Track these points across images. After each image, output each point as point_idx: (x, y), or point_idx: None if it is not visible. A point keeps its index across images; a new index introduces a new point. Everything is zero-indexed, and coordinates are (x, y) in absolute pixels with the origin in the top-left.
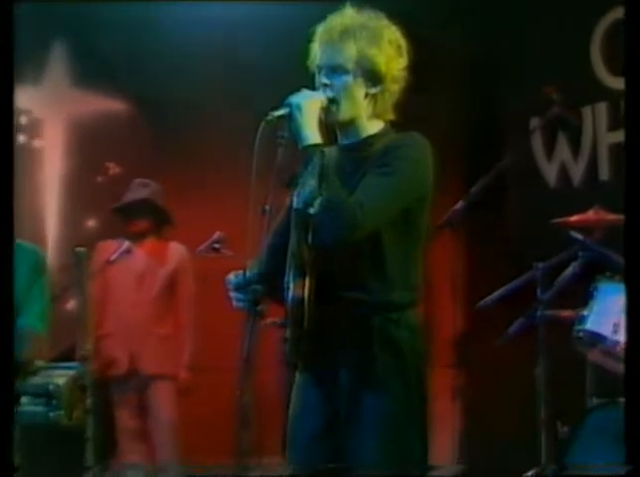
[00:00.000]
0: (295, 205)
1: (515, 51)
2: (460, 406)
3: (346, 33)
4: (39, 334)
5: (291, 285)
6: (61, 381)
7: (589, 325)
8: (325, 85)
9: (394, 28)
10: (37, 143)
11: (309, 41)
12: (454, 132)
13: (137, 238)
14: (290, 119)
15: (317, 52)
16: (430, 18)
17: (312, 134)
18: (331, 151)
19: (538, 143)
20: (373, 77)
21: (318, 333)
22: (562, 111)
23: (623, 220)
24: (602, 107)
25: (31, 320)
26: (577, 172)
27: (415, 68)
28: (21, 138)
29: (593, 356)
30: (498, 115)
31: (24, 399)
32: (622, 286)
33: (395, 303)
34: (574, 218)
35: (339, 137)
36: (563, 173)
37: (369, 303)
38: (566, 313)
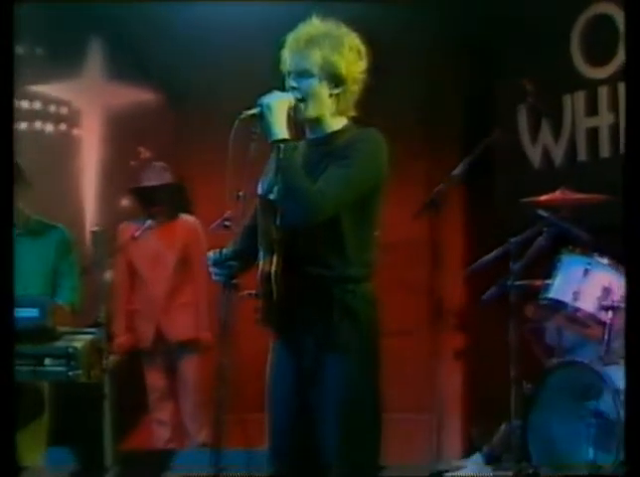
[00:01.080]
0: (259, 191)
1: (502, 42)
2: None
3: (311, 41)
4: (74, 307)
5: (261, 262)
6: (79, 344)
7: (552, 293)
8: (293, 88)
9: (354, 35)
10: (76, 132)
11: (280, 47)
12: (448, 116)
13: (155, 217)
14: (261, 117)
15: (287, 58)
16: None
17: (280, 130)
18: (300, 145)
19: (523, 128)
20: (335, 79)
21: (286, 303)
22: (536, 101)
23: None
24: (580, 95)
25: (66, 295)
26: (558, 154)
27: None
28: (62, 127)
29: (558, 321)
30: (487, 101)
31: (47, 361)
32: (583, 258)
33: (352, 277)
34: (543, 197)
35: (307, 132)
36: (546, 155)
37: (329, 277)
38: (535, 283)
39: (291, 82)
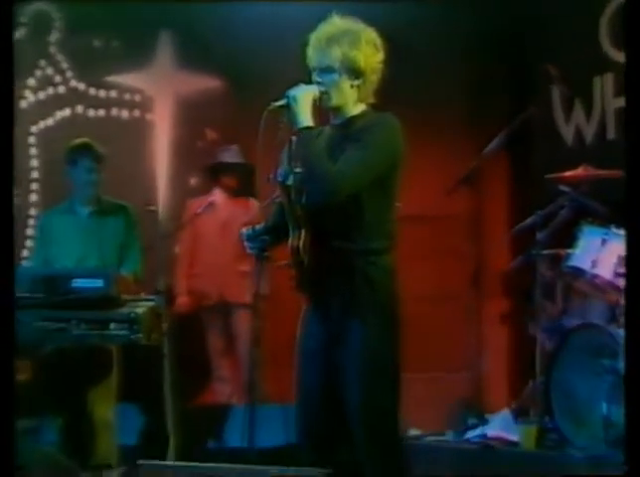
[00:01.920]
0: (278, 178)
1: (538, 29)
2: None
3: (331, 39)
4: (136, 276)
5: (290, 237)
6: (140, 310)
7: (573, 262)
8: (318, 82)
9: (370, 30)
10: (148, 117)
11: (305, 45)
12: (491, 98)
13: (226, 191)
14: (288, 108)
15: (310, 55)
16: None
17: (305, 119)
18: (325, 129)
19: (557, 108)
20: (355, 72)
21: (314, 273)
22: (559, 85)
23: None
24: (609, 77)
25: (130, 265)
26: (589, 132)
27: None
28: (136, 113)
29: (581, 286)
30: (523, 83)
31: (112, 326)
32: (601, 230)
33: (372, 250)
34: (567, 173)
35: (331, 118)
36: (578, 133)
37: (351, 250)
38: (558, 252)
39: (316, 77)
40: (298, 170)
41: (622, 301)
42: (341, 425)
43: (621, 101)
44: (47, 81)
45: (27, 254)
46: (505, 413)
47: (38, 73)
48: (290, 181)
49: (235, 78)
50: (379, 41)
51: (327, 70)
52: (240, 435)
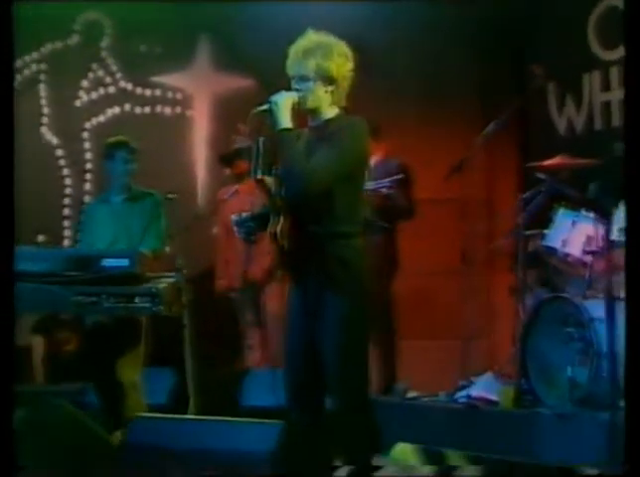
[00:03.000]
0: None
1: (534, 31)
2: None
3: (307, 52)
4: (155, 252)
5: (270, 224)
6: (161, 285)
7: (547, 241)
8: (296, 89)
9: (342, 43)
10: (188, 113)
11: (285, 57)
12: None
13: (241, 179)
14: (270, 112)
15: (289, 66)
16: None
17: (285, 122)
18: (304, 131)
19: (552, 102)
20: (328, 80)
21: (293, 256)
22: (542, 82)
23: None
24: (596, 74)
25: (150, 243)
26: (579, 123)
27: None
28: (177, 110)
29: (554, 263)
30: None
31: (136, 299)
32: (572, 212)
33: (343, 233)
34: (545, 162)
35: (309, 121)
36: (570, 124)
37: (325, 234)
38: (535, 232)
39: (294, 85)
40: (278, 168)
41: (588, 275)
42: (321, 387)
43: (607, 96)
44: (98, 83)
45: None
46: (488, 376)
47: (90, 75)
48: (259, 175)
49: (265, 77)
50: (349, 52)
51: (304, 78)
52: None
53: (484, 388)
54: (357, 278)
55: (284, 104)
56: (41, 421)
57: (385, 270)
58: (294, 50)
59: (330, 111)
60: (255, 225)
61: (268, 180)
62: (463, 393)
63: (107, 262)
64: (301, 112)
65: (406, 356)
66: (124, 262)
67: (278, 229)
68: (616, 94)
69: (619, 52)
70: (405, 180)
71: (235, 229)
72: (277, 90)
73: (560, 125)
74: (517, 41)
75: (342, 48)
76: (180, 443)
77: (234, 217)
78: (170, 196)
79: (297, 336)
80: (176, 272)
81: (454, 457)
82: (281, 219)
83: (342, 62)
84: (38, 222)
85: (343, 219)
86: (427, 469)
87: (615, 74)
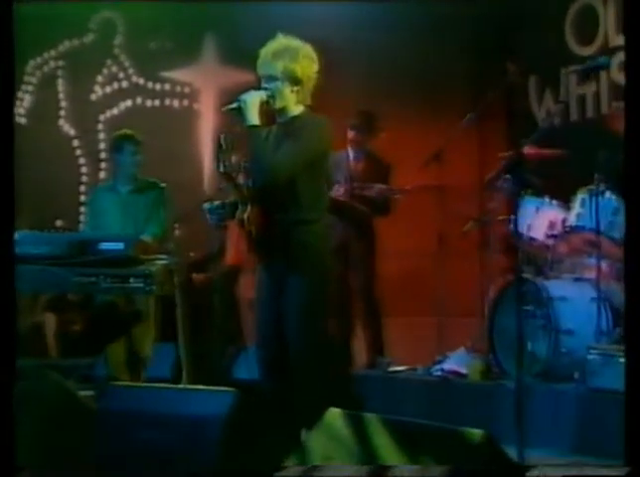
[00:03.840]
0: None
1: (517, 29)
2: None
3: (275, 55)
4: (156, 237)
5: (239, 211)
6: (154, 267)
7: (513, 226)
8: (265, 88)
9: (307, 46)
10: (196, 106)
11: (256, 58)
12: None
13: None
14: (239, 110)
15: (259, 66)
16: None
17: (253, 119)
18: (273, 127)
19: (532, 95)
20: (294, 80)
21: (260, 240)
22: (513, 78)
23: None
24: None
25: (153, 230)
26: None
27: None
28: (185, 103)
29: (523, 246)
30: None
31: (131, 280)
32: (536, 199)
33: (306, 219)
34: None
35: (277, 117)
36: (550, 115)
37: (289, 220)
38: (503, 218)
39: (263, 84)
40: (246, 161)
41: (550, 257)
42: (286, 358)
43: (582, 89)
44: (112, 78)
45: None
46: (461, 351)
47: (105, 70)
48: (221, 169)
49: None
50: (314, 55)
51: (272, 78)
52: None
53: (456, 362)
54: (317, 260)
55: (252, 103)
56: (31, 390)
57: (368, 253)
58: (264, 52)
59: (296, 109)
60: (225, 212)
61: (234, 172)
62: (438, 366)
63: (105, 246)
64: (269, 110)
65: (391, 332)
66: (120, 246)
67: (245, 216)
68: (591, 88)
69: (593, 48)
70: (391, 188)
71: (207, 216)
72: None
73: (539, 117)
74: (502, 38)
75: (308, 51)
76: (146, 408)
77: (206, 205)
78: (163, 185)
79: (265, 313)
80: (168, 255)
81: (372, 421)
82: (249, 207)
83: (307, 64)
84: (56, 207)
85: (305, 207)
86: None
87: None
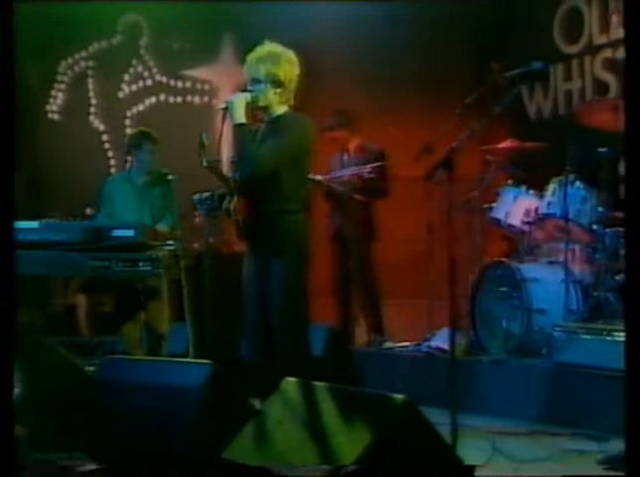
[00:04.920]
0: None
1: (509, 29)
2: None
3: (259, 59)
4: (172, 228)
5: (226, 202)
6: (161, 253)
7: (493, 213)
8: (250, 90)
9: (290, 52)
10: (214, 102)
11: (243, 62)
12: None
13: None
14: (227, 110)
15: (245, 70)
16: None
17: (239, 118)
18: (261, 125)
19: (525, 92)
20: (276, 83)
21: (246, 228)
22: (496, 78)
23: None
24: (560, 66)
25: (168, 221)
26: (546, 109)
27: None
28: (205, 99)
29: (500, 231)
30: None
31: (140, 264)
32: (514, 189)
33: (288, 209)
34: (498, 145)
35: (264, 116)
36: (539, 110)
37: (273, 210)
38: (485, 205)
39: (249, 86)
40: (234, 156)
41: (525, 242)
42: (271, 335)
43: (569, 85)
44: (138, 76)
45: None
46: (446, 329)
47: (131, 70)
48: (204, 163)
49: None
50: (296, 60)
51: (256, 81)
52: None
53: (441, 339)
54: (298, 247)
55: (239, 104)
56: (40, 363)
57: (365, 239)
58: (250, 57)
59: (279, 109)
60: (214, 203)
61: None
62: (425, 344)
63: (116, 233)
64: (255, 110)
65: (386, 312)
66: (130, 233)
67: (232, 206)
68: (576, 84)
69: (579, 46)
70: (383, 165)
71: (197, 207)
72: None
73: (531, 111)
74: (495, 37)
75: (290, 56)
76: (137, 379)
77: (195, 196)
78: (170, 178)
79: (251, 295)
80: (174, 241)
81: (320, 389)
82: (235, 198)
83: (289, 68)
84: (86, 197)
85: (287, 198)
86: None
87: (575, 65)
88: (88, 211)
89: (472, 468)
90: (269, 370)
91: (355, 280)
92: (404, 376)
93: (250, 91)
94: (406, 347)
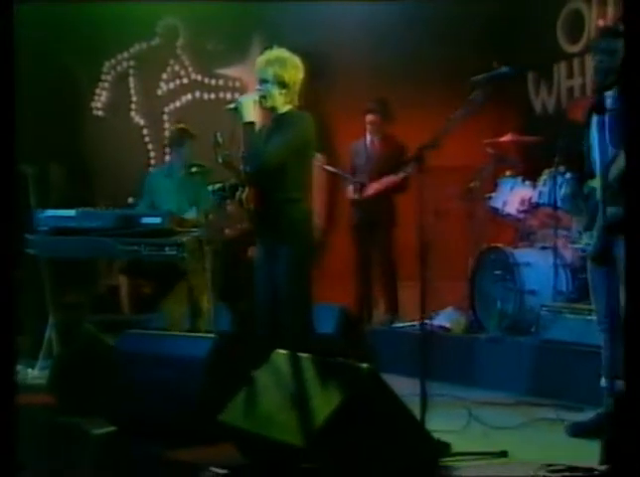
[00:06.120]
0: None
1: (517, 30)
2: None
3: (268, 63)
4: (202, 218)
5: (238, 193)
6: (185, 238)
7: (491, 202)
8: (259, 89)
9: (296, 57)
10: None
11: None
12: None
13: None
14: (236, 109)
15: (256, 71)
16: None
17: (248, 117)
18: (267, 122)
19: (530, 88)
20: (282, 85)
21: (257, 216)
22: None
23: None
24: (563, 64)
25: (193, 210)
26: (550, 104)
27: None
28: (236, 95)
29: (499, 219)
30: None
31: (166, 248)
32: (511, 179)
33: (293, 198)
34: (500, 139)
35: (271, 115)
36: (543, 105)
37: (279, 199)
38: (484, 196)
39: (258, 86)
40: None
41: (521, 230)
42: (278, 312)
43: (571, 82)
44: (175, 75)
45: None
46: (449, 309)
47: (168, 69)
48: (220, 159)
49: (307, 67)
50: (300, 64)
51: (264, 81)
52: None
53: (444, 318)
54: (302, 232)
55: (247, 104)
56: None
57: (386, 226)
58: (259, 60)
59: (285, 108)
60: (226, 193)
61: (234, 161)
62: (429, 321)
63: (145, 220)
64: (263, 109)
65: (401, 294)
66: (157, 220)
67: (244, 196)
68: (578, 81)
69: (580, 45)
70: (400, 159)
71: (210, 196)
72: (319, 81)
73: (537, 106)
74: (504, 36)
75: (295, 61)
76: (150, 350)
77: (209, 187)
78: (192, 170)
79: (262, 277)
80: (198, 228)
81: (303, 360)
82: (246, 189)
83: (294, 72)
84: (128, 187)
85: (293, 188)
86: None
87: (577, 64)
88: (130, 200)
89: (427, 430)
90: (276, 345)
91: (375, 265)
92: (408, 352)
93: (259, 91)
94: (414, 325)
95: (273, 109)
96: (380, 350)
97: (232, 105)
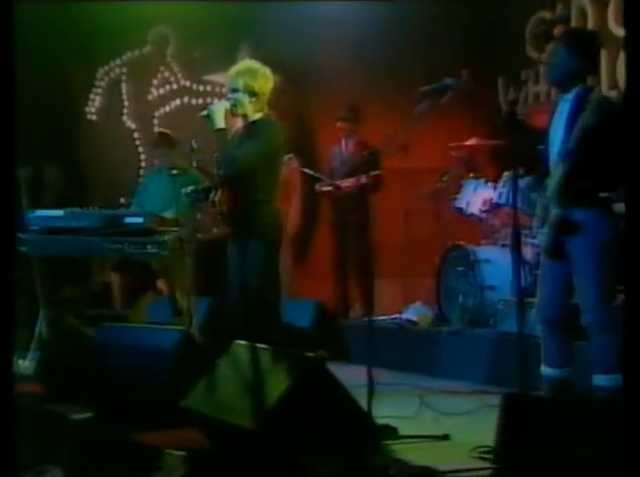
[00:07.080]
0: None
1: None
2: None
3: (238, 73)
4: (178, 218)
5: (211, 195)
6: (167, 237)
7: (456, 203)
8: (229, 98)
9: (266, 68)
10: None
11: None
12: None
13: None
14: (208, 116)
15: (227, 81)
16: None
17: (219, 124)
18: (238, 129)
19: (500, 93)
20: (252, 93)
21: (229, 216)
22: (466, 83)
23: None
24: (531, 71)
25: (171, 210)
26: (519, 109)
27: None
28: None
29: (463, 219)
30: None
31: (148, 246)
32: (474, 181)
33: (261, 200)
34: (465, 142)
35: (242, 122)
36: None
37: (249, 200)
38: (450, 197)
39: (229, 95)
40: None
41: (484, 228)
42: (247, 305)
43: (537, 88)
44: (165, 81)
45: None
46: (418, 304)
47: (159, 75)
48: (195, 164)
49: (291, 74)
50: (271, 76)
51: (235, 90)
52: None
53: (412, 312)
54: (270, 231)
55: (219, 111)
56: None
57: (361, 226)
58: (231, 71)
59: (255, 116)
60: (199, 195)
61: (208, 165)
62: (398, 316)
63: (128, 220)
64: (233, 116)
65: (377, 289)
66: (140, 220)
67: (216, 198)
68: (544, 87)
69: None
70: (378, 174)
71: (184, 198)
72: (304, 84)
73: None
74: (481, 41)
75: (266, 72)
76: (123, 341)
77: (183, 189)
78: (174, 172)
79: (234, 273)
80: (179, 228)
81: (261, 350)
82: (219, 191)
83: (264, 82)
84: (120, 187)
85: (262, 190)
86: None
87: (543, 70)
88: (122, 200)
89: (370, 414)
90: (244, 337)
91: (351, 262)
92: (380, 344)
93: (230, 99)
94: (384, 320)
95: (244, 117)
96: (356, 343)
97: (204, 112)
